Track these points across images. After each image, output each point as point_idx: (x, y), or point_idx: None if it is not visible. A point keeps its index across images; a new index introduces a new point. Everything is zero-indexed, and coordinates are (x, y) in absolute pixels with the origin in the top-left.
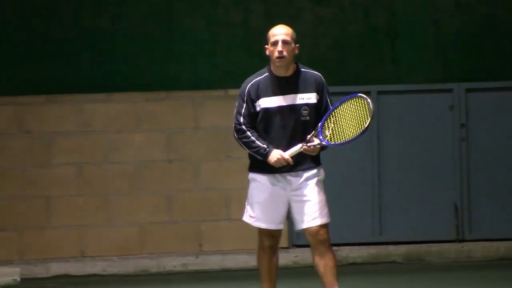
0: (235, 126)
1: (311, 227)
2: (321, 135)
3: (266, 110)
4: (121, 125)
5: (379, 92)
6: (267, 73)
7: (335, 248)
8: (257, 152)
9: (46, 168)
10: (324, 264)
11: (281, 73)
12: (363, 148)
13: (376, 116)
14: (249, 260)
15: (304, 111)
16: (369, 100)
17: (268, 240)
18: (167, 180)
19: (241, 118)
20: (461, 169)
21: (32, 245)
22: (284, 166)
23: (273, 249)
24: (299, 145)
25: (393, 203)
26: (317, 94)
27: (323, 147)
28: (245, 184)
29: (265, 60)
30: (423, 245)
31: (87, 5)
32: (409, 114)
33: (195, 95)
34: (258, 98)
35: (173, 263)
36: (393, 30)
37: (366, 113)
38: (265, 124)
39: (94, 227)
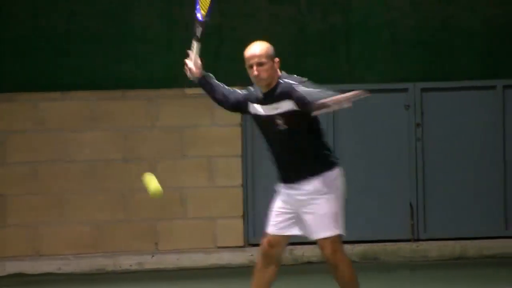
0: None
1: (317, 239)
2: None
3: (253, 115)
4: (76, 123)
5: None
6: None
7: (290, 247)
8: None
9: (1, 167)
10: (336, 280)
11: (263, 88)
12: None
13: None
14: (204, 259)
15: (278, 121)
16: None
17: (263, 246)
18: (123, 179)
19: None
20: (416, 168)
21: None
22: (290, 178)
23: (267, 260)
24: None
25: (349, 202)
26: (291, 100)
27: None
28: (200, 183)
29: (220, 59)
30: (379, 244)
31: (42, 3)
32: (364, 113)
33: (150, 94)
34: (249, 100)
35: (129, 262)
36: (348, 30)
37: None
38: (259, 130)
39: (50, 225)
